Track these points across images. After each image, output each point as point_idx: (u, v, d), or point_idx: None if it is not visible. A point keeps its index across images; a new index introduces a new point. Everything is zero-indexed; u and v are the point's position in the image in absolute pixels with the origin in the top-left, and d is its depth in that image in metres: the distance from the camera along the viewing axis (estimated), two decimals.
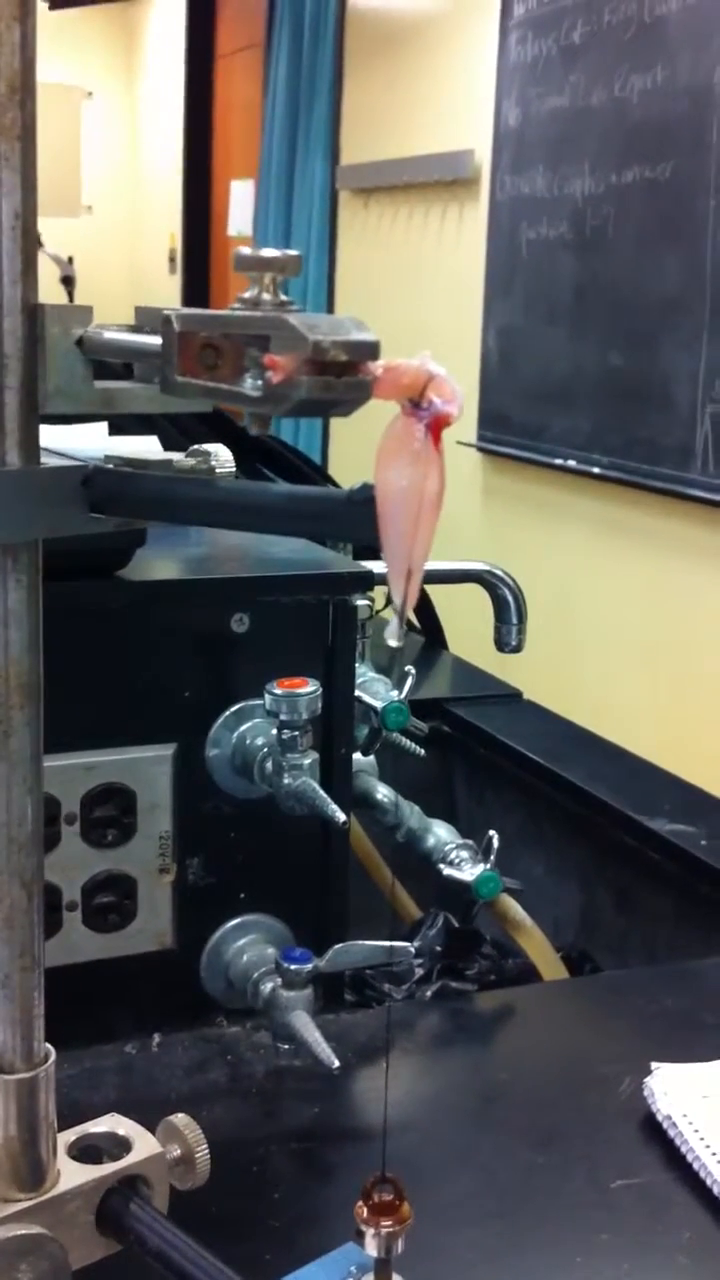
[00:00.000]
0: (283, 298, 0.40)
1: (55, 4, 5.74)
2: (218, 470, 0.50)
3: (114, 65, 7.76)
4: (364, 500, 0.40)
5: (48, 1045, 0.54)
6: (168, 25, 7.00)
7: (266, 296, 0.40)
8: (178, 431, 1.41)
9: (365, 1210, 0.57)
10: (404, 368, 0.38)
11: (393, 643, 0.41)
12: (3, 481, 0.48)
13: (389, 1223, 0.57)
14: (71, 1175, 0.55)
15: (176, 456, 0.54)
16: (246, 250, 0.40)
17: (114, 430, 1.09)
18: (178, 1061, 0.86)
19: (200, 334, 0.41)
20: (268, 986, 0.86)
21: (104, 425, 1.09)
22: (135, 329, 0.47)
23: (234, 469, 0.57)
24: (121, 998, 0.92)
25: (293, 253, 0.40)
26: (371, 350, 0.38)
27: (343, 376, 0.38)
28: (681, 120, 2.93)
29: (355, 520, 0.41)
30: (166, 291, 6.94)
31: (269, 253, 0.40)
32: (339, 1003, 1.00)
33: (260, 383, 0.38)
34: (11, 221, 0.46)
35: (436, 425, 0.39)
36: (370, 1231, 0.57)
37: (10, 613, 0.50)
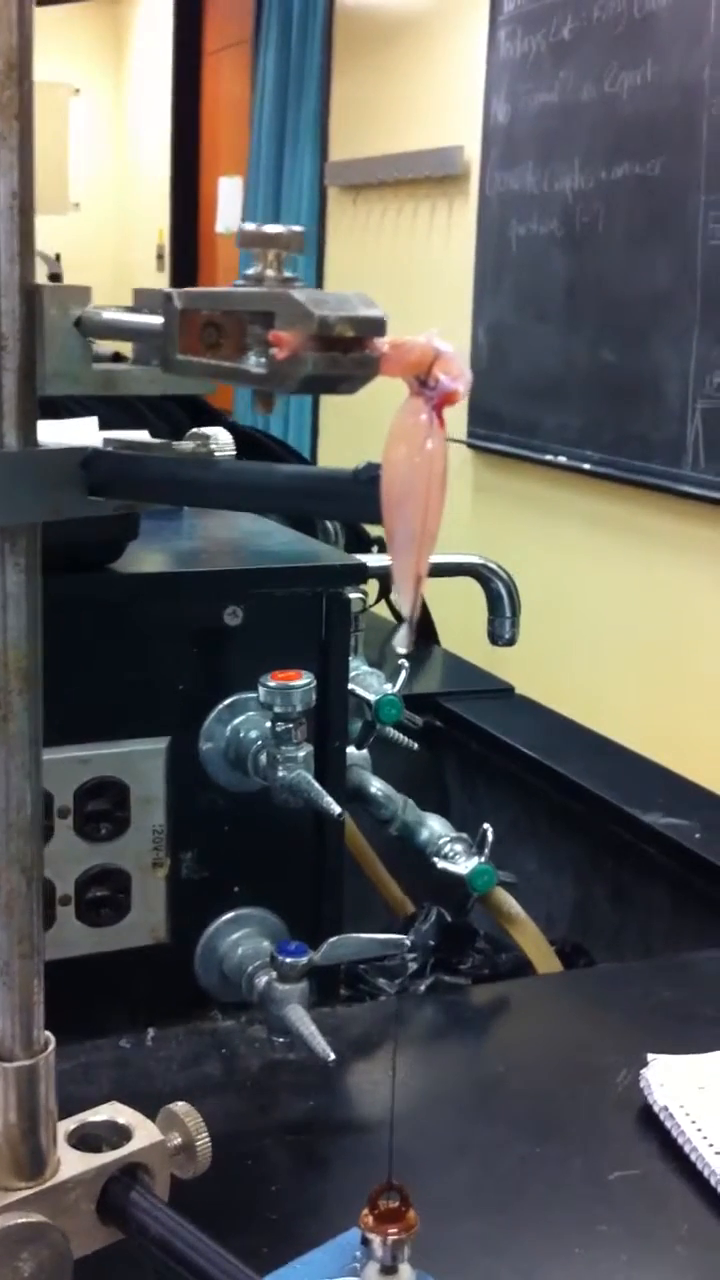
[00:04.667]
0: (287, 274, 0.39)
1: (43, 0, 5.73)
2: (217, 453, 0.49)
3: (102, 62, 7.74)
4: (369, 479, 0.39)
5: (47, 1033, 0.54)
6: (155, 22, 6.99)
7: (270, 273, 0.39)
8: (169, 429, 1.41)
9: (371, 1218, 0.57)
10: (411, 344, 0.38)
11: (401, 650, 0.40)
12: (1, 463, 0.47)
13: (395, 1230, 0.57)
14: (72, 1164, 0.54)
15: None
16: (250, 226, 0.40)
17: (103, 426, 1.09)
18: (172, 1055, 0.86)
19: (202, 312, 0.41)
20: (262, 980, 0.86)
21: (94, 420, 1.08)
22: (134, 310, 0.47)
23: (234, 452, 0.56)
24: (116, 992, 0.91)
25: (297, 229, 0.40)
26: (378, 326, 0.38)
27: (349, 353, 0.38)
28: (671, 116, 2.93)
29: (360, 499, 0.40)
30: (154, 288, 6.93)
31: (273, 229, 0.40)
32: (333, 996, 0.99)
33: (264, 360, 0.38)
34: (9, 201, 0.46)
35: (442, 403, 0.39)
36: (377, 1239, 0.57)
37: (9, 596, 0.49)
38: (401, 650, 0.38)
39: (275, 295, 0.38)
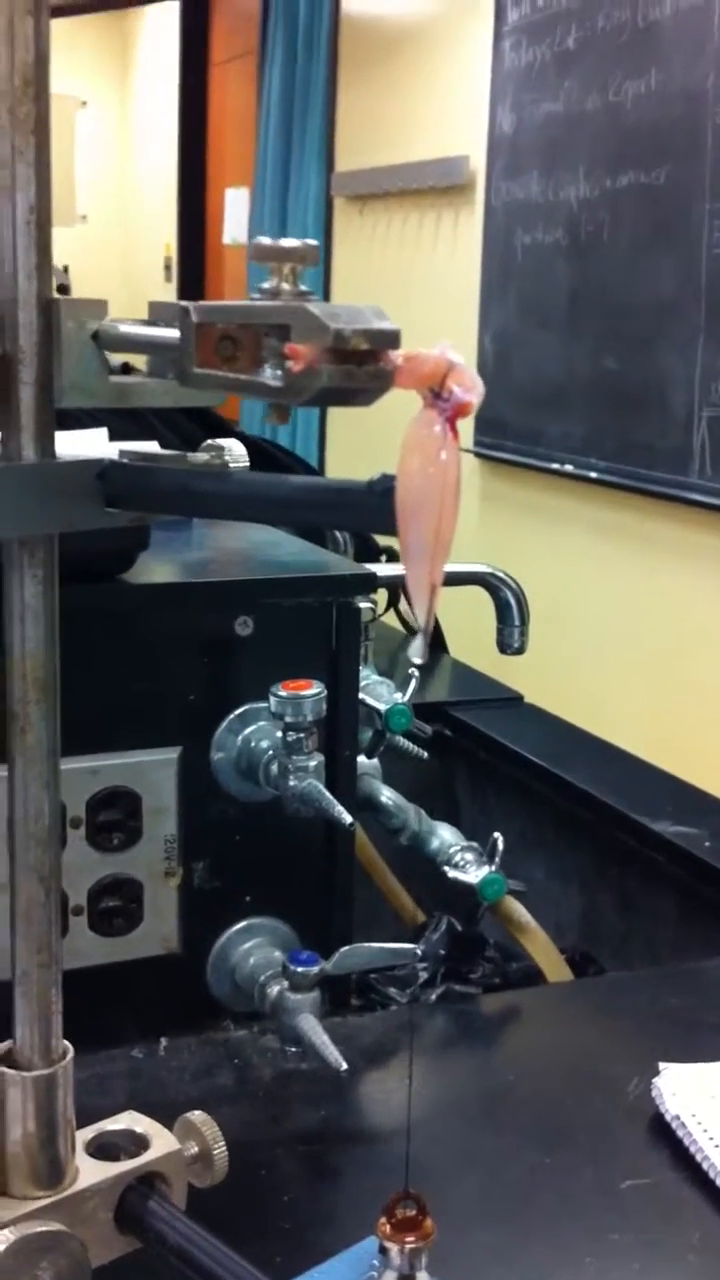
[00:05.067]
0: (302, 288, 0.40)
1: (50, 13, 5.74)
2: (231, 465, 0.50)
3: (108, 74, 7.77)
4: (384, 490, 0.40)
5: (65, 1042, 0.54)
6: (162, 34, 7.01)
7: (286, 286, 0.40)
8: (177, 439, 1.41)
9: (389, 1227, 0.57)
10: (425, 357, 0.38)
11: (416, 660, 0.41)
12: (18, 476, 0.48)
13: (413, 1239, 0.57)
14: (90, 1173, 0.54)
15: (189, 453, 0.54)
16: (265, 240, 0.40)
17: (112, 437, 1.09)
18: (185, 1065, 0.86)
19: (218, 325, 0.41)
20: (274, 989, 0.86)
21: (104, 431, 1.09)
22: (149, 323, 0.47)
23: (247, 464, 0.56)
24: (128, 1002, 0.91)
25: (311, 242, 0.40)
26: (393, 339, 0.38)
27: (364, 365, 0.38)
28: (676, 125, 2.94)
29: (374, 510, 0.40)
30: (162, 300, 6.94)
31: (288, 243, 0.40)
32: (345, 1006, 0.99)
33: (280, 372, 0.38)
34: (26, 216, 0.46)
35: (455, 415, 0.39)
36: (394, 1248, 0.57)
37: (27, 608, 0.50)
38: (416, 660, 0.38)
39: (291, 309, 0.39)
